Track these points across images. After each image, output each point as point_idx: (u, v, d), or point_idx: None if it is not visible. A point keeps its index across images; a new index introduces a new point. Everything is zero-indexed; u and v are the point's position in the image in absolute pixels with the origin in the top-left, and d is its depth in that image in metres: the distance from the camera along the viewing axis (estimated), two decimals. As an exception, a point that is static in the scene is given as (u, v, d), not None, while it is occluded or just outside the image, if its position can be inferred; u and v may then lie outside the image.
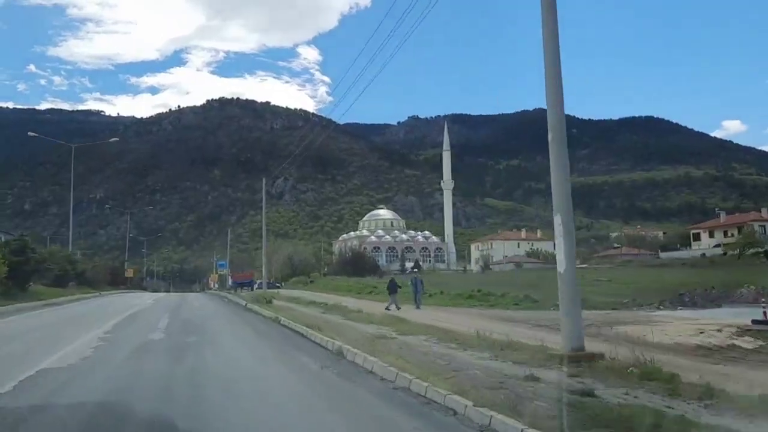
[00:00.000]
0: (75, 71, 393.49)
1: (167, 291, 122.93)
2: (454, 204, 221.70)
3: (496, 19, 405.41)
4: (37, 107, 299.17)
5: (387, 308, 25.64)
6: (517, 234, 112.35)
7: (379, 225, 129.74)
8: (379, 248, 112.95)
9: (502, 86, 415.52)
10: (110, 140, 58.78)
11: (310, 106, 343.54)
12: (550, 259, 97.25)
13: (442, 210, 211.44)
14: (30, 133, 55.88)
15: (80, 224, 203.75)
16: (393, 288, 27.18)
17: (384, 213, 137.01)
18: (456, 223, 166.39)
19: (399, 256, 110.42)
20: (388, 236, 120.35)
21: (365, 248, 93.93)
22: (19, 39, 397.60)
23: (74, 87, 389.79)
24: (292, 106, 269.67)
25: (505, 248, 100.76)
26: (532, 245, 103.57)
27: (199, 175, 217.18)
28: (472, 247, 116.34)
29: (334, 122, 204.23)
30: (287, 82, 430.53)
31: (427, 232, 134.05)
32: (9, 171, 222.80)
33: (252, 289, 55.93)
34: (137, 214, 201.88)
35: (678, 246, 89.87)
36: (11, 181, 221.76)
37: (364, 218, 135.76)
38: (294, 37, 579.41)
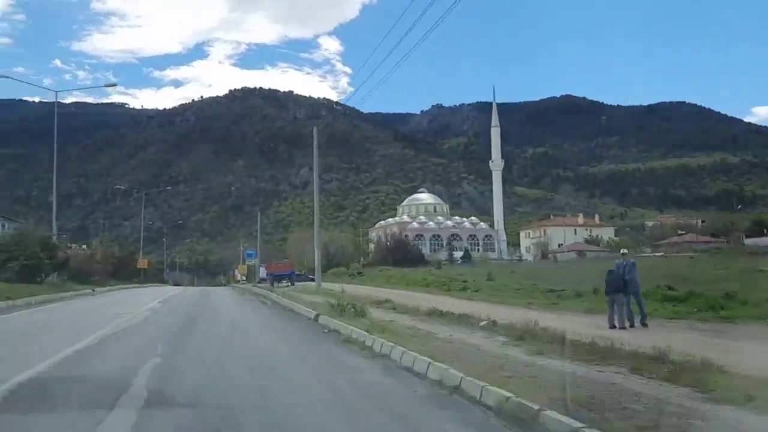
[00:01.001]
0: (99, 65, 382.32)
1: (191, 284, 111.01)
2: (481, 193, 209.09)
3: (520, 5, 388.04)
4: (62, 101, 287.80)
5: (616, 326, 12.94)
6: (573, 220, 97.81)
7: (421, 210, 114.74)
8: (422, 236, 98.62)
9: (528, 73, 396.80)
10: (106, 86, 45.19)
11: (333, 97, 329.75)
12: (615, 247, 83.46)
13: (469, 199, 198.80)
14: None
15: (105, 216, 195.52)
16: (616, 286, 13.30)
17: (425, 197, 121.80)
18: (484, 212, 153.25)
19: (445, 244, 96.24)
20: (431, 222, 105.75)
21: (406, 235, 79.79)
22: (44, 34, 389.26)
23: (98, 81, 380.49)
24: (315, 95, 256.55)
25: (565, 236, 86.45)
26: (591, 232, 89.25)
27: (222, 166, 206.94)
28: (522, 234, 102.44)
29: (356, 110, 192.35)
30: (308, 73, 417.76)
31: (473, 218, 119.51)
32: (34, 163, 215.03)
33: (292, 284, 42.33)
34: (161, 205, 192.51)
35: (765, 232, 75.59)
36: (36, 173, 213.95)
37: (404, 203, 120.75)
38: (315, 28, 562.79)
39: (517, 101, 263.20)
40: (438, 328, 11.86)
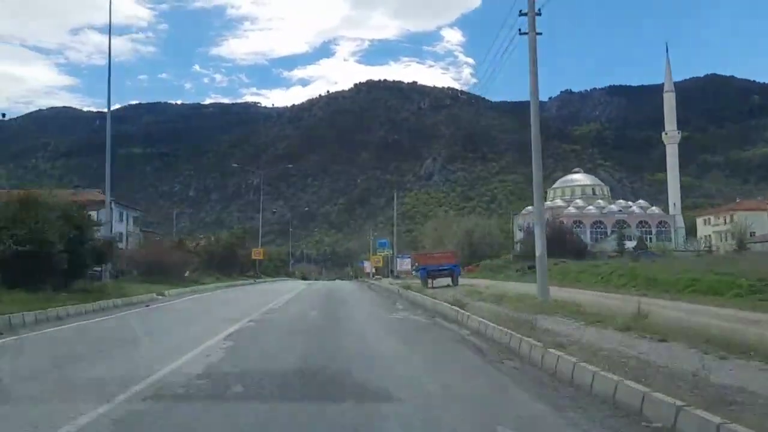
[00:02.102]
0: (234, 68, 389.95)
1: (318, 276, 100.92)
2: (618, 180, 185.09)
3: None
4: (201, 102, 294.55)
5: None
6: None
7: (576, 193, 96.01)
8: (581, 222, 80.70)
9: (666, 53, 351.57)
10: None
11: (456, 87, 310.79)
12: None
13: (608, 187, 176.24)
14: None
15: (239, 210, 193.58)
16: None
17: (581, 178, 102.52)
18: (626, 200, 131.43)
19: (609, 233, 77.81)
20: (591, 207, 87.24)
21: (562, 222, 62.73)
22: (185, 41, 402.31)
23: (233, 83, 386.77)
24: (439, 85, 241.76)
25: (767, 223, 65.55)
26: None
27: (348, 159, 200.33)
28: (699, 221, 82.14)
29: (483, 99, 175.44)
30: (431, 66, 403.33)
31: (642, 201, 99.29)
32: (176, 161, 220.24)
33: (455, 282, 27.31)
34: (291, 198, 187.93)
35: None
36: (178, 170, 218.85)
37: (555, 185, 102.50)
38: (437, 20, 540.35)
39: (655, 83, 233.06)
40: None
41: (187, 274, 34.74)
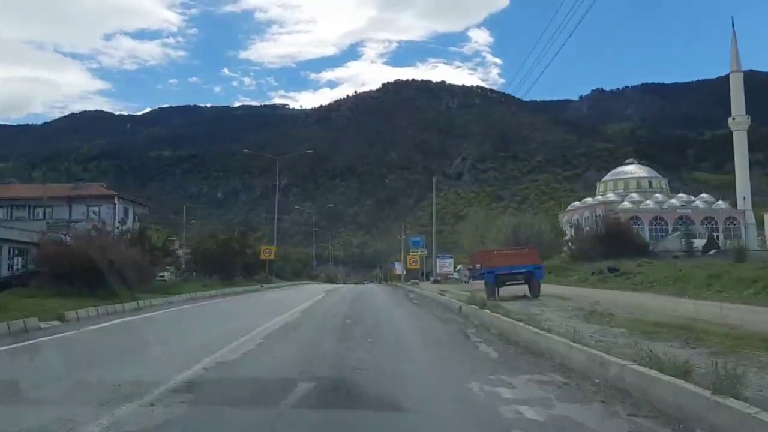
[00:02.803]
0: (262, 71, 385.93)
1: (346, 279, 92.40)
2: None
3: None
4: (230, 105, 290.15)
5: None
6: None
7: (631, 186, 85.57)
8: (638, 218, 70.69)
9: (701, 49, 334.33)
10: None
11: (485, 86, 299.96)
12: None
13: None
14: None
15: (267, 211, 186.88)
16: None
17: (635, 170, 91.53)
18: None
19: (671, 230, 67.93)
20: (649, 201, 77.21)
21: (618, 218, 53.09)
22: (214, 45, 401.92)
23: (262, 86, 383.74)
24: (468, 84, 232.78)
25: None
26: None
27: (376, 159, 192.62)
28: (766, 217, 71.67)
29: (514, 98, 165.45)
30: (458, 66, 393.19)
31: (705, 195, 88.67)
32: (206, 163, 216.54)
33: (534, 292, 17.85)
34: (319, 199, 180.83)
35: None
36: (206, 172, 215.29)
37: (606, 177, 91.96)
38: (464, 21, 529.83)
39: (690, 80, 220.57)
40: None
41: (173, 276, 26.25)
